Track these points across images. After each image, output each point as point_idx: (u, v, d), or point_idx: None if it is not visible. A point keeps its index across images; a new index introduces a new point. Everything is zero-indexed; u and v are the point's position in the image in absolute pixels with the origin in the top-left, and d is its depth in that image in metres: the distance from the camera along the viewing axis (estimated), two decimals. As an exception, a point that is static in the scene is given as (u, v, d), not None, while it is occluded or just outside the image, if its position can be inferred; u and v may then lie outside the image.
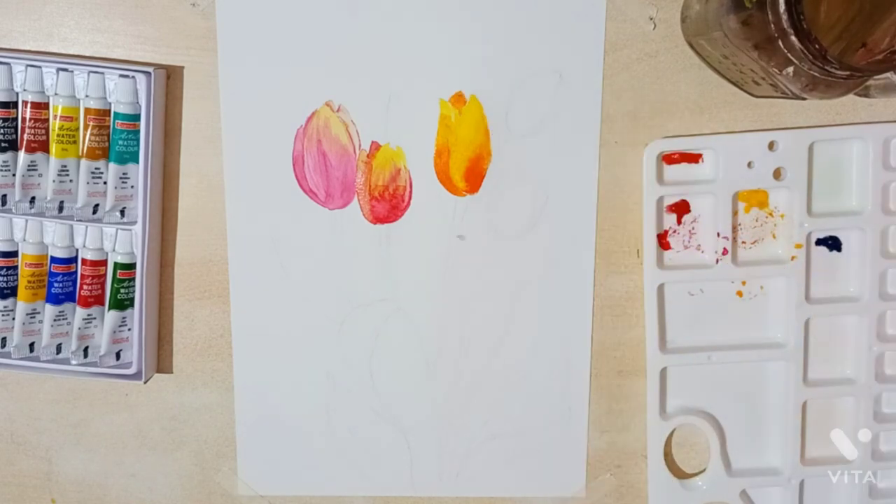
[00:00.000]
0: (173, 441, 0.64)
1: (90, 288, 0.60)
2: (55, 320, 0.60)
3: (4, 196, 0.58)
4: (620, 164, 0.59)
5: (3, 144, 0.58)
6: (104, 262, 0.61)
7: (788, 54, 0.45)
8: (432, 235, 0.61)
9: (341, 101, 0.59)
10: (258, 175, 0.60)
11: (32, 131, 0.58)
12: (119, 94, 0.57)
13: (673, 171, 0.60)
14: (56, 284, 0.60)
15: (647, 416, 0.62)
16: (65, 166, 0.58)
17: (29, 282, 0.60)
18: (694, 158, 0.60)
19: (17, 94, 0.58)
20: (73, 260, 0.61)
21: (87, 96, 0.58)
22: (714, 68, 0.57)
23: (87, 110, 0.58)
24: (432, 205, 0.60)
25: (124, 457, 0.64)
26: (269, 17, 0.58)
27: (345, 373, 0.62)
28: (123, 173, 0.58)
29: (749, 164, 0.59)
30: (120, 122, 0.58)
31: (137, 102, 0.58)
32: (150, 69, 0.57)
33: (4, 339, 0.60)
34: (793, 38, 0.44)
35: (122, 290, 0.60)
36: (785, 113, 0.59)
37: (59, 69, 0.58)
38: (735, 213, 0.60)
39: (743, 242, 0.61)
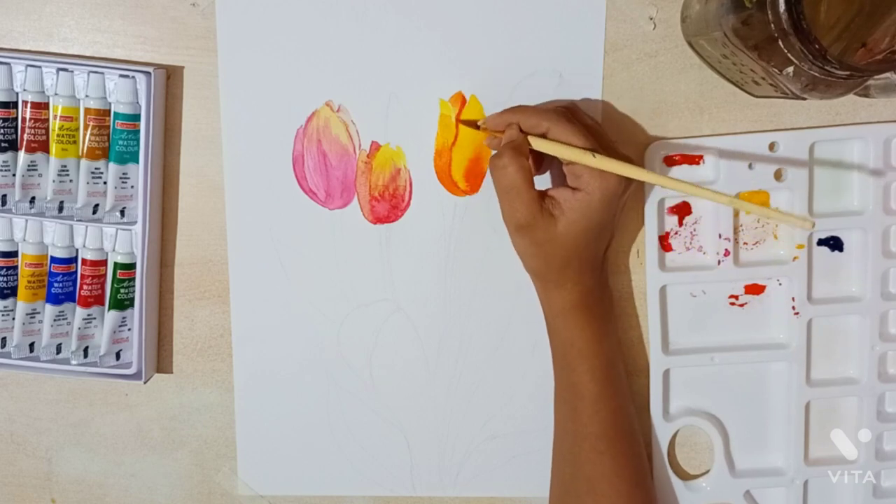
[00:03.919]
0: (173, 441, 0.64)
1: (90, 288, 0.60)
2: (55, 320, 0.60)
3: (4, 196, 0.58)
4: (621, 164, 0.59)
5: (3, 144, 0.58)
6: (104, 262, 0.61)
7: (788, 54, 0.45)
8: (432, 235, 0.61)
9: (341, 101, 0.59)
10: (258, 175, 0.60)
11: (32, 131, 0.58)
12: (119, 94, 0.57)
13: (674, 173, 0.59)
14: (56, 284, 0.60)
15: (650, 418, 0.62)
16: (65, 166, 0.58)
17: (29, 282, 0.60)
18: (695, 160, 0.59)
19: (17, 94, 0.58)
20: (73, 260, 0.61)
21: (87, 96, 0.58)
22: (714, 68, 0.57)
23: (87, 110, 0.58)
24: (432, 205, 0.60)
25: (124, 457, 0.64)
26: (269, 18, 0.58)
27: (345, 373, 0.62)
28: (123, 173, 0.58)
29: (750, 166, 0.59)
30: (120, 122, 0.58)
31: (137, 102, 0.58)
32: (150, 69, 0.57)
33: (4, 339, 0.60)
34: (793, 38, 0.44)
35: (122, 290, 0.60)
36: (785, 113, 0.59)
37: (59, 69, 0.58)
38: (736, 215, 0.60)
39: (744, 244, 0.61)
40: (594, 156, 0.51)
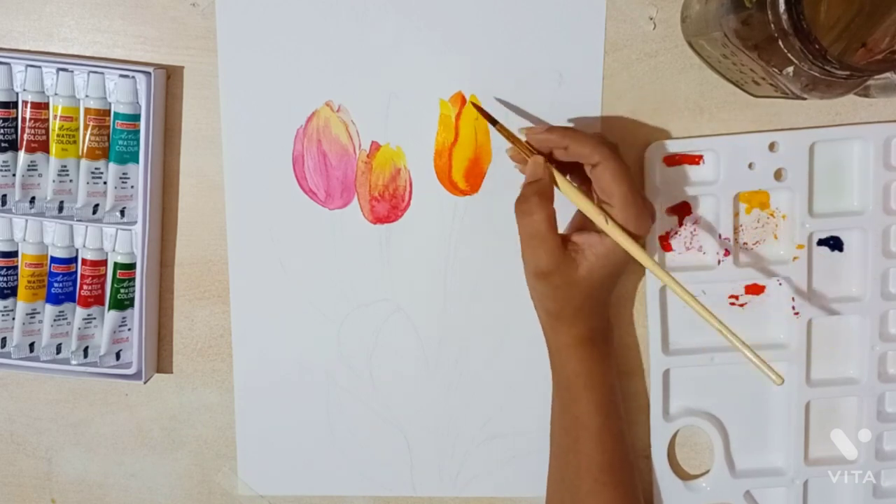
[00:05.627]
0: (173, 441, 0.64)
1: (90, 288, 0.60)
2: (55, 320, 0.60)
3: (4, 196, 0.58)
4: (621, 164, 0.59)
5: (3, 144, 0.58)
6: (104, 262, 0.61)
7: (788, 54, 0.45)
8: (432, 235, 0.61)
9: (341, 101, 0.59)
10: (258, 175, 0.60)
11: (32, 131, 0.58)
12: (119, 94, 0.57)
13: (674, 173, 0.59)
14: (56, 284, 0.60)
15: (650, 418, 0.62)
16: (65, 166, 0.58)
17: (29, 282, 0.60)
18: (695, 160, 0.59)
19: (17, 94, 0.58)
20: (73, 260, 0.61)
21: (87, 96, 0.58)
22: (714, 68, 0.57)
23: (87, 110, 0.58)
24: (432, 205, 0.60)
25: (124, 457, 0.64)
26: (269, 18, 0.58)
27: (345, 373, 0.62)
28: (123, 173, 0.58)
29: (750, 165, 0.59)
30: (120, 122, 0.58)
31: (137, 102, 0.58)
32: (150, 69, 0.57)
33: (4, 339, 0.60)
34: (793, 38, 0.44)
35: (122, 290, 0.60)
36: (785, 113, 0.59)
37: (59, 69, 0.58)
38: (736, 215, 0.60)
39: (744, 244, 0.61)
40: (607, 221, 0.52)
